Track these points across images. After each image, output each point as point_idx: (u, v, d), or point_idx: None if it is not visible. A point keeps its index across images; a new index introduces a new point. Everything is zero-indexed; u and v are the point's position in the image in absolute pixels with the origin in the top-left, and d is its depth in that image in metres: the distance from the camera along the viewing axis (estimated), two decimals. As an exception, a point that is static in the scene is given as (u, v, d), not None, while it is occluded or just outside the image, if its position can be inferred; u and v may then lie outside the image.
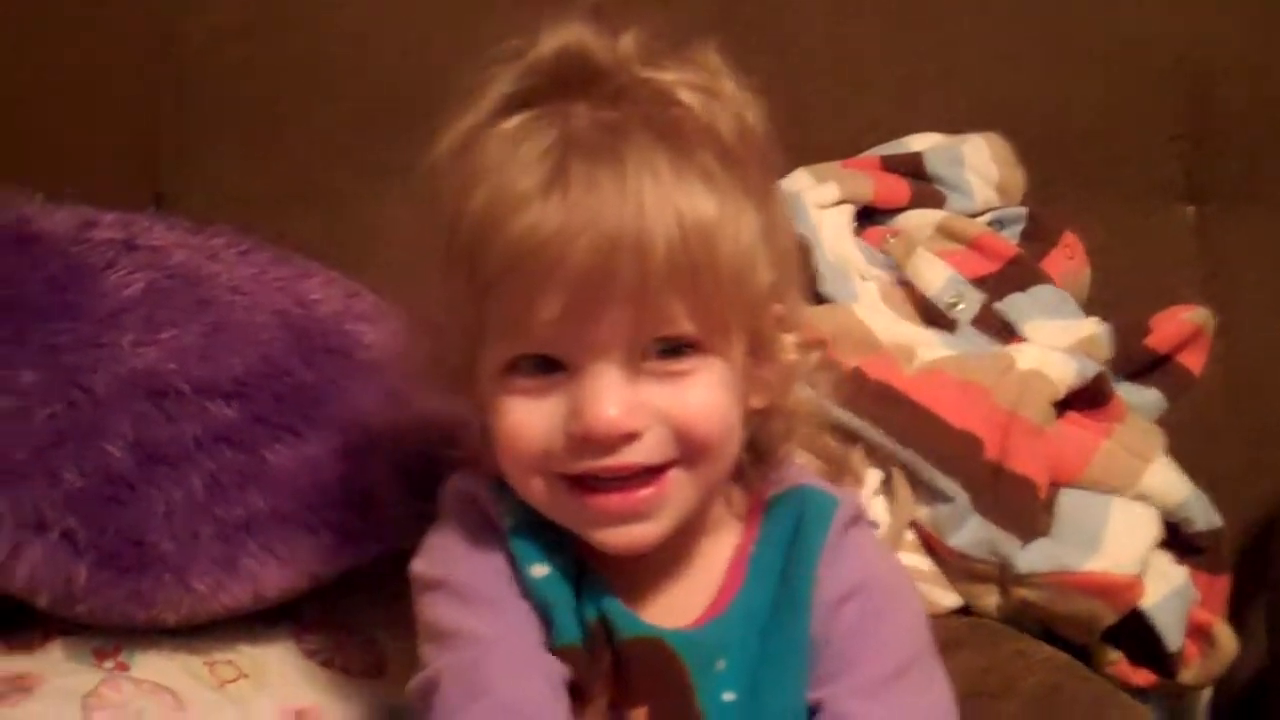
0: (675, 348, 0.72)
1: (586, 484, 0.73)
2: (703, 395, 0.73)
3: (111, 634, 0.90)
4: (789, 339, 0.79)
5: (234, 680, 0.90)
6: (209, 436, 0.93)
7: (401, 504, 0.95)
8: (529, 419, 0.73)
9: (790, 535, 0.79)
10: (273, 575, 0.92)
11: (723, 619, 0.77)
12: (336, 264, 1.13)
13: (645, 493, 0.73)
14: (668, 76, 0.74)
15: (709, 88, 0.75)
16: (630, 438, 0.72)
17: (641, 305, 0.70)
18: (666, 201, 0.69)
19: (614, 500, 0.73)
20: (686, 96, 0.74)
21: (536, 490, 0.75)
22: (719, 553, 0.80)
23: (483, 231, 0.71)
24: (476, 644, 0.74)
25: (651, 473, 0.73)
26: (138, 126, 1.36)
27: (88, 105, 1.37)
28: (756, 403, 0.78)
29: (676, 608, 0.78)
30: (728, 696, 0.76)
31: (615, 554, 0.75)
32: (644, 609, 0.78)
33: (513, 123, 0.73)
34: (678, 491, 0.74)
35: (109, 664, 0.89)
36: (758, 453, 0.80)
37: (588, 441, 0.71)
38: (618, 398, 0.71)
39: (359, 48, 1.35)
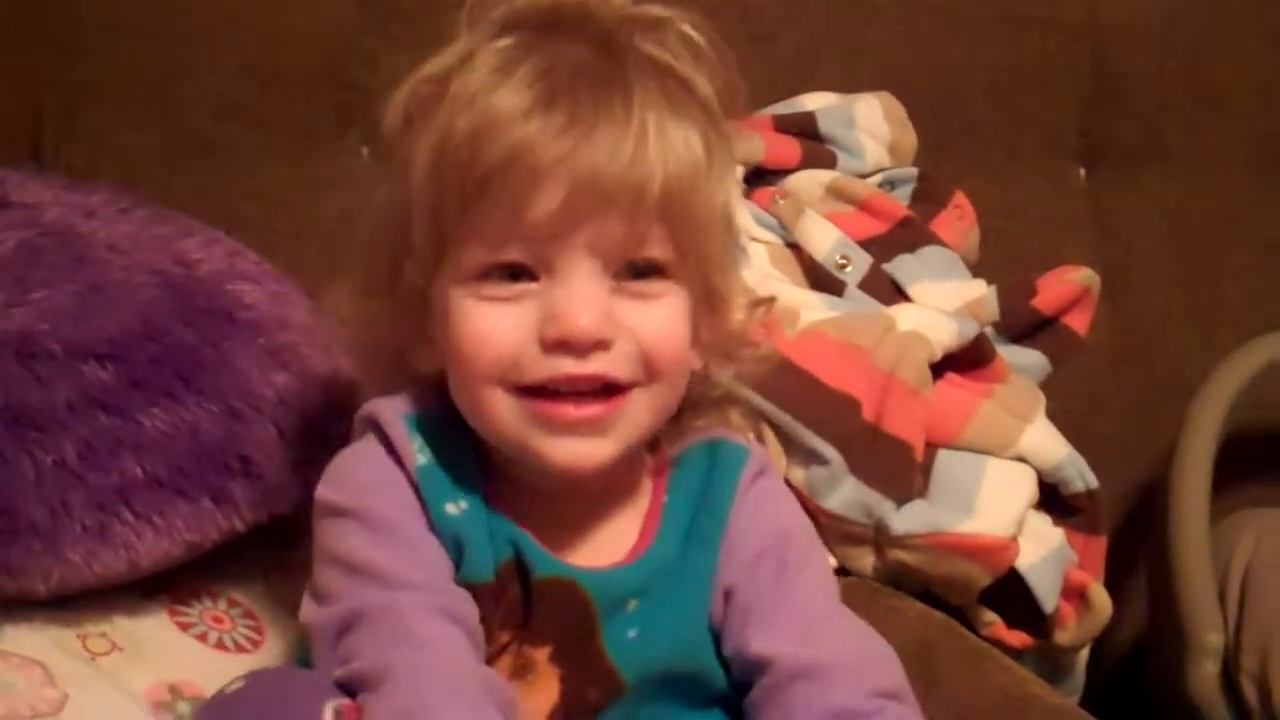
0: (646, 271, 0.75)
1: (545, 395, 0.75)
2: (667, 318, 0.76)
3: (-21, 606, 0.88)
4: (739, 299, 0.82)
5: (107, 653, 0.88)
6: (82, 400, 0.90)
7: (282, 470, 0.94)
8: (499, 325, 0.75)
9: (703, 482, 0.82)
10: (148, 544, 0.90)
11: (639, 563, 0.79)
12: (225, 220, 1.11)
13: (604, 406, 0.75)
14: (662, 32, 0.78)
15: (697, 50, 0.78)
16: (602, 345, 0.74)
17: (632, 220, 0.73)
18: (666, 132, 0.73)
19: (573, 410, 0.75)
20: (679, 53, 0.77)
21: (490, 403, 0.76)
22: (634, 507, 0.82)
23: (484, 135, 0.73)
24: (392, 583, 0.75)
25: (610, 392, 0.75)
26: (19, 79, 1.32)
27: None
28: (695, 363, 0.81)
29: (590, 553, 0.80)
30: (631, 634, 0.79)
31: (558, 474, 0.76)
32: (557, 551, 0.79)
33: (509, 41, 0.75)
34: (633, 412, 0.76)
35: (-24, 637, 0.87)
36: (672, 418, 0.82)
37: (561, 345, 0.73)
38: (596, 303, 0.73)
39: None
